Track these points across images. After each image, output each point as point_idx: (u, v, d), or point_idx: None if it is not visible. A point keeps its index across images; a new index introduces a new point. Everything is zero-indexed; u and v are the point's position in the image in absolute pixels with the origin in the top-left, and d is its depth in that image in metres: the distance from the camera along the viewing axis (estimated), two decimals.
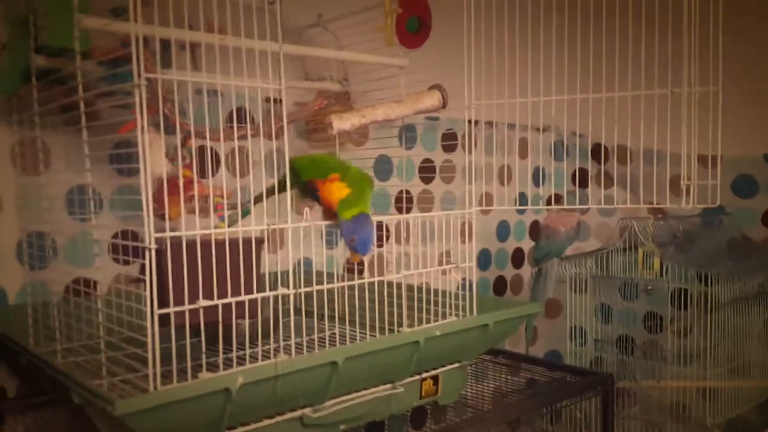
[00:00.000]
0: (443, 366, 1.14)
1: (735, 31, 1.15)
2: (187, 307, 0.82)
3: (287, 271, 0.91)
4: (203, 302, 0.83)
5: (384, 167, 1.69)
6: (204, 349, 0.85)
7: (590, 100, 1.08)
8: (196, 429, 0.83)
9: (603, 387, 1.26)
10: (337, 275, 1.26)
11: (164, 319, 0.81)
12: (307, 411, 0.96)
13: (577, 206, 1.52)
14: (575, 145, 2.04)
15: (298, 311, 1.10)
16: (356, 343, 0.95)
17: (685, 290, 1.79)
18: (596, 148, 2.13)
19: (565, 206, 1.28)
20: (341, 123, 1.05)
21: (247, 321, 1.04)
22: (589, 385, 1.25)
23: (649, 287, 1.65)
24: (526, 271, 2.15)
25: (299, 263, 1.44)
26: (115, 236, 1.28)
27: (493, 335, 1.12)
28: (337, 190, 0.97)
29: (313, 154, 1.02)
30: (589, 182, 1.98)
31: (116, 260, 1.28)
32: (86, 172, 0.92)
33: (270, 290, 0.89)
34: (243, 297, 0.87)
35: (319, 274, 1.24)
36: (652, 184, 1.13)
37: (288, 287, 0.90)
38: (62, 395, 0.90)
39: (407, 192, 1.76)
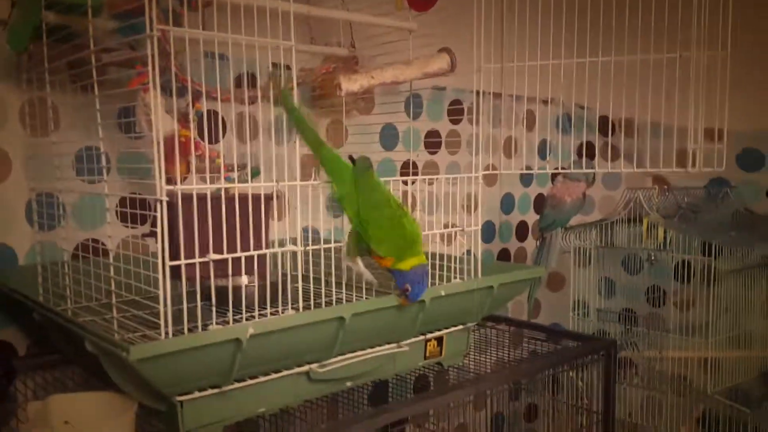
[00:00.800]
0: (447, 328, 1.15)
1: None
2: (197, 260, 0.83)
3: (294, 238, 0.92)
4: (213, 255, 0.84)
5: (390, 135, 1.69)
6: (214, 309, 0.86)
7: (599, 63, 1.08)
8: (207, 378, 0.85)
9: (606, 352, 1.27)
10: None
11: (175, 272, 0.82)
12: (314, 366, 0.97)
13: (584, 170, 1.52)
14: (581, 118, 2.04)
15: (305, 279, 1.11)
16: (363, 300, 0.97)
17: (688, 263, 1.80)
18: (603, 121, 2.12)
19: (572, 170, 1.28)
20: (350, 84, 1.05)
21: (256, 283, 1.06)
22: (592, 350, 1.26)
23: (653, 257, 1.66)
24: (530, 244, 2.16)
25: (306, 231, 1.45)
26: (123, 200, 1.29)
27: (497, 297, 1.14)
28: (385, 262, 0.96)
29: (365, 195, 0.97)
30: (596, 155, 1.98)
31: (125, 223, 1.29)
32: (98, 128, 0.92)
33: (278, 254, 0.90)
34: (252, 252, 0.88)
35: (326, 242, 1.25)
36: (659, 155, 1.13)
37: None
38: (74, 348, 0.92)
39: (413, 164, 1.76)
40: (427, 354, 1.14)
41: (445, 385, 1.08)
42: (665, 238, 1.61)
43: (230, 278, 0.99)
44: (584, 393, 1.60)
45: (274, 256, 1.08)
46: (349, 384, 1.05)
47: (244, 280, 1.17)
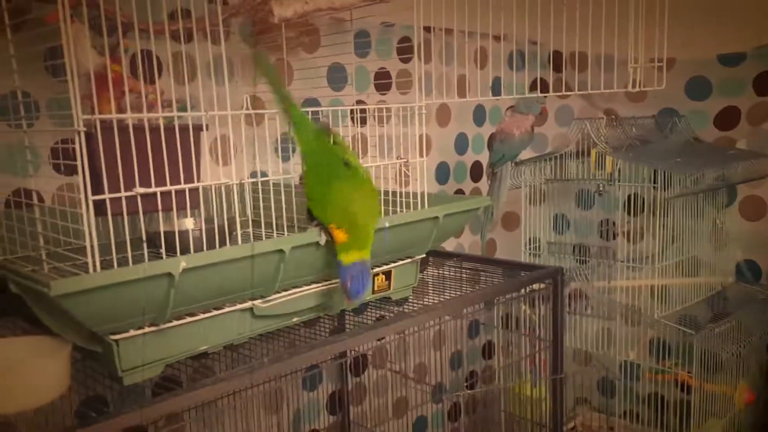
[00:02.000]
0: (395, 262, 1.14)
1: None
2: (123, 194, 0.80)
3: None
4: (140, 189, 0.81)
5: (338, 76, 1.65)
6: (146, 249, 0.83)
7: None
8: (142, 316, 0.83)
9: (553, 279, 1.29)
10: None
11: (100, 208, 0.79)
12: (257, 302, 0.96)
13: (535, 95, 1.51)
14: (534, 54, 2.02)
15: (253, 223, 1.09)
16: (303, 233, 0.95)
17: (637, 195, 1.82)
18: (555, 57, 2.11)
19: (526, 95, 1.26)
20: (282, 10, 1.00)
21: (191, 228, 1.03)
22: (539, 277, 1.27)
23: (602, 187, 1.67)
24: (485, 185, 2.16)
25: (254, 175, 1.42)
26: (56, 144, 1.24)
27: (443, 228, 1.13)
28: (337, 234, 0.94)
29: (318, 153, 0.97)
30: (550, 90, 1.97)
31: (57, 169, 1.24)
32: (14, 75, 0.87)
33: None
34: (183, 186, 0.85)
35: (275, 185, 1.22)
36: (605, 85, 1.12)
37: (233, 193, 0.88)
38: (3, 296, 0.88)
39: (362, 102, 1.73)
40: (376, 288, 1.14)
41: (400, 316, 1.08)
42: (614, 169, 1.62)
43: (175, 222, 0.97)
44: (537, 325, 1.62)
45: (222, 200, 1.05)
46: (295, 320, 1.04)
47: (189, 224, 1.14)
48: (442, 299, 1.18)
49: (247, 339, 0.99)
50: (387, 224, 1.03)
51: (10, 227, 0.98)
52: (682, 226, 1.70)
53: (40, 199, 1.21)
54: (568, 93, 1.28)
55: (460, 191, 2.08)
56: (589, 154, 1.70)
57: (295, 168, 1.58)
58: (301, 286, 1.01)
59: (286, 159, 1.54)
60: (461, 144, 2.06)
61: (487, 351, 2.23)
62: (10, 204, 1.17)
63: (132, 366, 0.85)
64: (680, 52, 1.83)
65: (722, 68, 1.86)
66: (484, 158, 2.14)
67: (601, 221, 2.00)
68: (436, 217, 1.09)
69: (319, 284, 1.03)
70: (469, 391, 2.13)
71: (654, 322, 1.54)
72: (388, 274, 1.14)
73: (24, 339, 0.85)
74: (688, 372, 1.68)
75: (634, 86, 0.99)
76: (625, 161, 1.59)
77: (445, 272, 1.53)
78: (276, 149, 1.51)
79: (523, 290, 1.29)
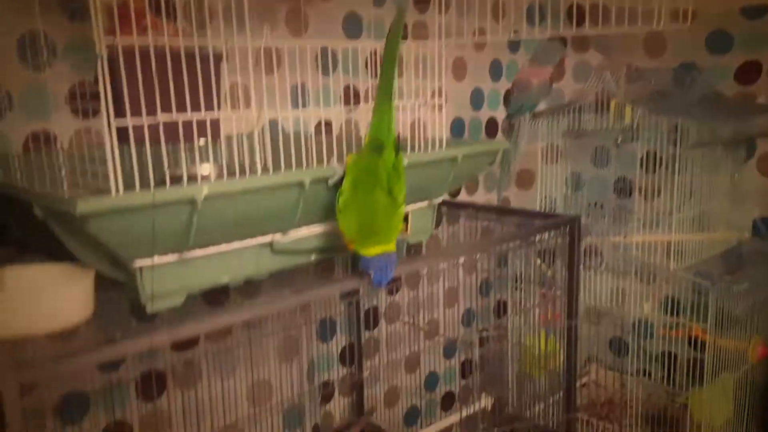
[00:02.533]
0: (413, 203, 1.14)
1: None
2: (145, 119, 0.80)
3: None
4: (163, 116, 0.81)
5: (353, 26, 1.63)
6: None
7: None
8: (164, 243, 0.83)
9: (570, 227, 1.28)
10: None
11: (123, 135, 0.79)
12: (276, 236, 0.96)
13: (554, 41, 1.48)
14: (555, 9, 1.99)
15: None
16: (323, 167, 0.95)
17: (654, 153, 1.81)
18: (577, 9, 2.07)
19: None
20: None
21: (209, 173, 1.04)
22: (555, 224, 1.27)
23: (620, 139, 1.66)
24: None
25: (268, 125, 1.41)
26: (73, 88, 1.24)
27: (461, 170, 1.12)
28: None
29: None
30: (568, 42, 1.95)
31: (75, 113, 1.24)
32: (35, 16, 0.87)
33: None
34: (204, 115, 0.85)
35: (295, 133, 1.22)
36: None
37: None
38: (27, 224, 0.90)
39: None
40: None
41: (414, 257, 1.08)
42: (633, 119, 1.60)
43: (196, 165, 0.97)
44: (551, 276, 1.63)
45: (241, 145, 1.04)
46: (314, 258, 1.04)
47: (207, 169, 1.14)
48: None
49: (266, 275, 1.00)
50: (406, 161, 1.02)
51: (29, 168, 1.00)
52: (700, 181, 1.69)
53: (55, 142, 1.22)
54: (589, 33, 1.26)
55: None
56: (607, 109, 1.69)
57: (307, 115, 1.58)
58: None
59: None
60: (477, 99, 2.04)
61: (500, 310, 2.24)
62: (28, 146, 1.18)
63: (155, 292, 0.86)
64: (702, 4, 1.80)
65: (745, 21, 1.83)
66: (499, 114, 2.12)
67: (617, 178, 1.99)
68: (455, 159, 1.09)
69: None
70: (480, 345, 2.15)
71: (669, 276, 1.54)
72: (405, 217, 1.14)
73: (49, 266, 0.86)
74: (702, 327, 1.68)
75: (658, 25, 0.97)
76: (644, 112, 1.57)
77: (459, 224, 1.53)
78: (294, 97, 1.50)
79: (538, 237, 1.29)
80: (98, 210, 0.71)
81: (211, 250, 0.90)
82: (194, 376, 1.48)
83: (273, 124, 1.41)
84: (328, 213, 1.01)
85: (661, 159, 1.80)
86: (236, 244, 0.92)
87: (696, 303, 1.69)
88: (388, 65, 0.92)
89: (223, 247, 0.91)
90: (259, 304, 0.88)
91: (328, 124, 1.61)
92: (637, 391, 1.82)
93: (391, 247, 0.94)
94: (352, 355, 1.81)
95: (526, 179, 2.21)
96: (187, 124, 0.84)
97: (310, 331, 1.71)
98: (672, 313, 1.83)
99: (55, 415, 1.27)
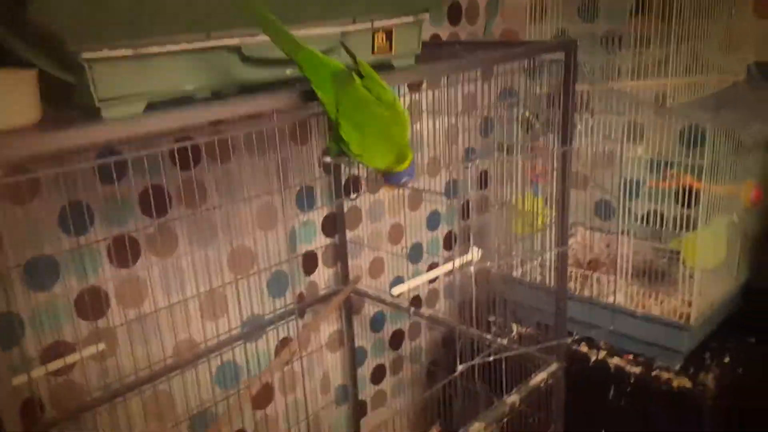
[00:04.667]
0: (395, 14, 1.03)
1: None
2: None
3: None
4: None
5: None
6: None
7: None
8: (112, 26, 0.72)
9: (565, 51, 1.19)
10: None
11: None
12: (246, 39, 0.85)
13: None
14: None
15: None
16: None
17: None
18: None
19: None
20: None
21: None
22: (550, 47, 1.17)
23: None
24: None
25: None
26: None
27: None
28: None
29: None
30: None
31: None
32: None
33: None
34: None
35: None
36: None
37: None
38: None
39: None
40: (376, 49, 1.03)
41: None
42: None
43: None
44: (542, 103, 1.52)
45: None
46: (288, 72, 0.94)
47: None
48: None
49: (236, 88, 0.89)
50: None
51: None
52: (694, 31, 1.58)
53: None
54: None
55: None
56: None
57: None
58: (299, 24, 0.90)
59: None
60: None
61: (480, 182, 2.17)
62: None
63: (110, 96, 0.75)
64: None
65: None
66: None
67: (605, 31, 1.88)
68: None
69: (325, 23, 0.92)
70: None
71: (666, 110, 1.46)
72: (388, 33, 1.04)
73: None
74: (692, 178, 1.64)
75: None
76: None
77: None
78: None
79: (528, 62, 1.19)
80: None
81: (171, 47, 0.79)
82: (170, 244, 1.40)
83: None
84: (315, 9, 0.89)
85: (651, 4, 1.69)
86: (199, 44, 0.81)
87: (693, 137, 1.65)
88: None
89: (185, 46, 0.80)
90: (226, 105, 0.78)
91: None
92: (623, 250, 1.79)
93: (410, 157, 0.95)
94: (333, 225, 1.75)
95: (510, 39, 2.09)
96: None
97: (290, 196, 1.63)
98: (661, 168, 1.78)
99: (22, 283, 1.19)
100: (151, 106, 0.80)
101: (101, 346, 1.18)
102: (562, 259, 1.32)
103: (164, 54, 0.78)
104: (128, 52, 0.75)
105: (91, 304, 1.27)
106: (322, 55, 0.87)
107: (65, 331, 1.25)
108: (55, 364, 1.16)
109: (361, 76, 0.88)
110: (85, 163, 0.77)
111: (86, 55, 0.72)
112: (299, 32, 0.89)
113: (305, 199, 1.66)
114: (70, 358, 1.18)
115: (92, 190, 1.24)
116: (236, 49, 0.85)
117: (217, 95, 0.88)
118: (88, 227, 1.25)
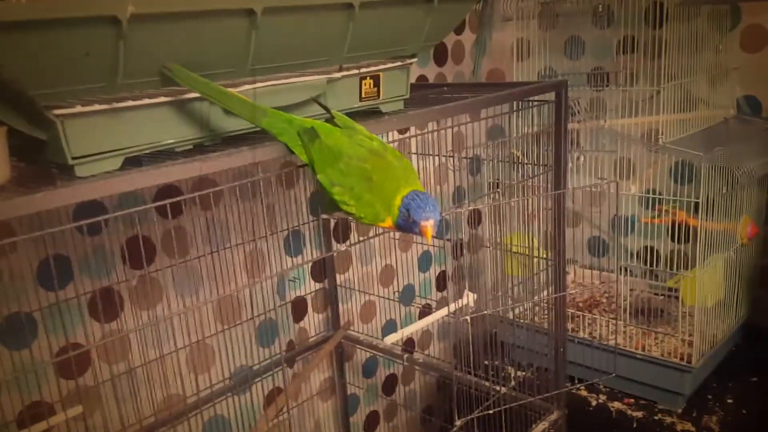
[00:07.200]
0: (382, 60, 1.01)
1: None
2: None
3: None
4: None
5: None
6: None
7: None
8: (87, 82, 0.69)
9: (556, 92, 1.17)
10: None
11: None
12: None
13: None
14: None
15: None
16: None
17: (632, 37, 1.70)
18: None
19: None
20: None
21: None
22: (541, 88, 1.15)
23: (601, 9, 1.53)
24: None
25: None
26: None
27: (437, 20, 0.99)
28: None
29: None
30: None
31: None
32: None
33: None
34: None
35: None
36: None
37: None
38: None
39: None
40: (363, 94, 1.01)
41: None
42: None
43: None
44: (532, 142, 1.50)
45: None
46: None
47: None
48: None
49: (219, 139, 0.86)
50: None
51: None
52: (684, 66, 1.58)
53: None
54: None
55: None
56: None
57: None
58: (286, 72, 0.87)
59: None
60: None
61: (475, 220, 2.14)
62: None
63: (84, 153, 0.71)
64: None
65: None
66: None
67: (591, 70, 1.88)
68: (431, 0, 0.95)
69: (310, 74, 0.89)
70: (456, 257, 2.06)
71: (659, 148, 1.44)
72: (376, 79, 1.01)
73: None
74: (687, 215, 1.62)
75: None
76: None
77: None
78: None
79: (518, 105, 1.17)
80: None
81: (147, 100, 0.75)
82: (153, 296, 1.34)
83: None
84: (288, 57, 0.86)
85: (638, 42, 1.69)
86: (178, 96, 0.78)
87: (689, 172, 1.63)
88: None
89: (162, 99, 0.76)
90: (208, 160, 0.74)
91: None
92: (619, 288, 1.76)
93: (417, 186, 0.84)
94: (323, 269, 1.70)
95: (497, 79, 2.09)
96: None
97: (278, 244, 1.59)
98: (654, 204, 1.76)
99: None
100: (131, 160, 0.76)
101: (79, 409, 1.11)
102: (560, 304, 1.28)
103: (140, 107, 0.75)
104: (102, 107, 0.71)
105: (76, 360, 1.21)
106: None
107: (44, 391, 1.19)
108: (37, 428, 1.08)
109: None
110: (58, 227, 0.72)
111: (57, 112, 0.68)
112: (284, 81, 0.86)
113: (291, 244, 1.62)
114: (52, 420, 1.10)
115: (71, 242, 1.19)
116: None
117: (200, 147, 0.84)
118: (68, 281, 1.20)
